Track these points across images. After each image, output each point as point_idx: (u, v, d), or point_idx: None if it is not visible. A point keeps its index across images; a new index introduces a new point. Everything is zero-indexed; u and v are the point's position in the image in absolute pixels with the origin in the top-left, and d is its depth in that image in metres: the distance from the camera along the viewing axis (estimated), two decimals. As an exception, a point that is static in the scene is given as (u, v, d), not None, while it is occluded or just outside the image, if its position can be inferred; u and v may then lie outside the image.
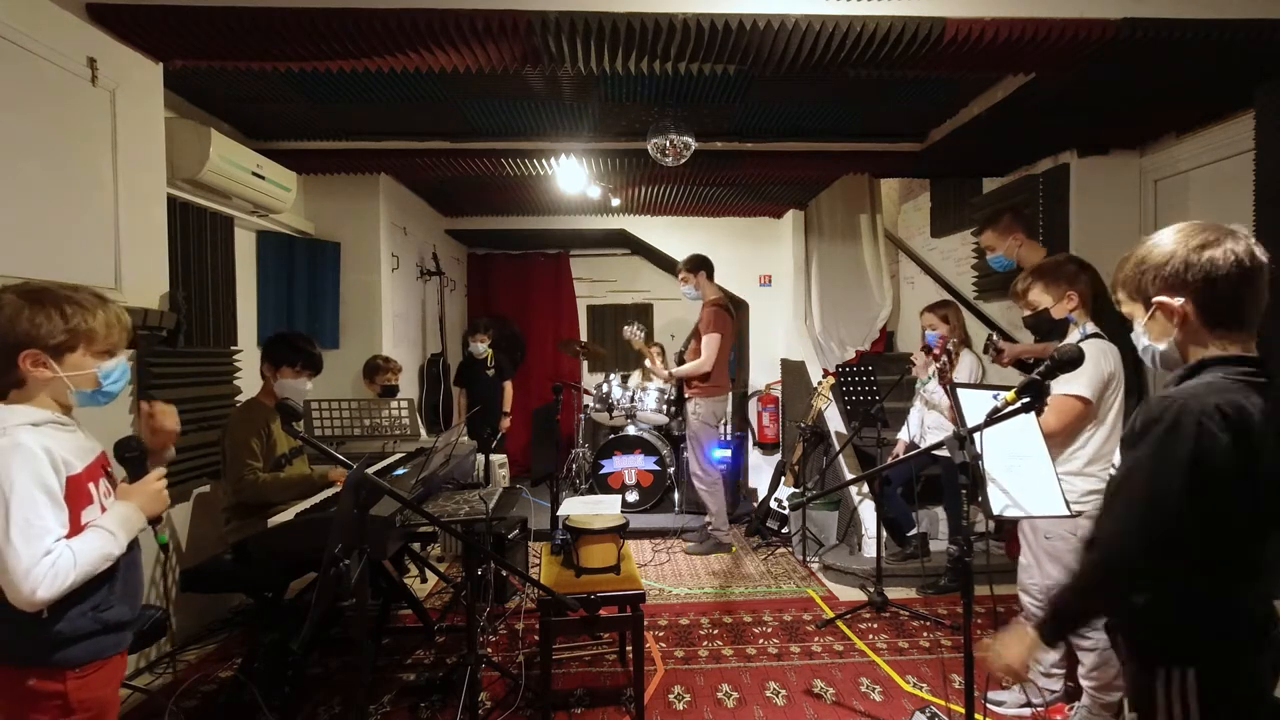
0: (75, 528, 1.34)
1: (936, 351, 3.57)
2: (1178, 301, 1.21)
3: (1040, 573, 2.41)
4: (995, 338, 3.24)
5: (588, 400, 5.64)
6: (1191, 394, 1.15)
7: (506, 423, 5.68)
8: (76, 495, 1.35)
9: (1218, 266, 1.16)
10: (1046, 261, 2.46)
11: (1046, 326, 2.46)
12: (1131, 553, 1.19)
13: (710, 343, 4.38)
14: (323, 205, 4.67)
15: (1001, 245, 3.20)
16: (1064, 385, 2.20)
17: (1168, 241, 1.22)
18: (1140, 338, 1.29)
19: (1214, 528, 1.14)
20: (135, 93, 2.72)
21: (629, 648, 2.79)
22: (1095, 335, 2.30)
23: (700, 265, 4.53)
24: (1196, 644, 1.18)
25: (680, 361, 4.76)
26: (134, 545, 1.50)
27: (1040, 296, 2.42)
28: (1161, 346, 1.26)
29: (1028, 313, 2.49)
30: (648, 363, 4.96)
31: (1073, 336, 2.35)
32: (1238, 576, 1.18)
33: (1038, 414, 1.65)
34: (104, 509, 1.41)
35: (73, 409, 1.43)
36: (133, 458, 1.51)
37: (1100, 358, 2.22)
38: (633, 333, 4.79)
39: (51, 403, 1.38)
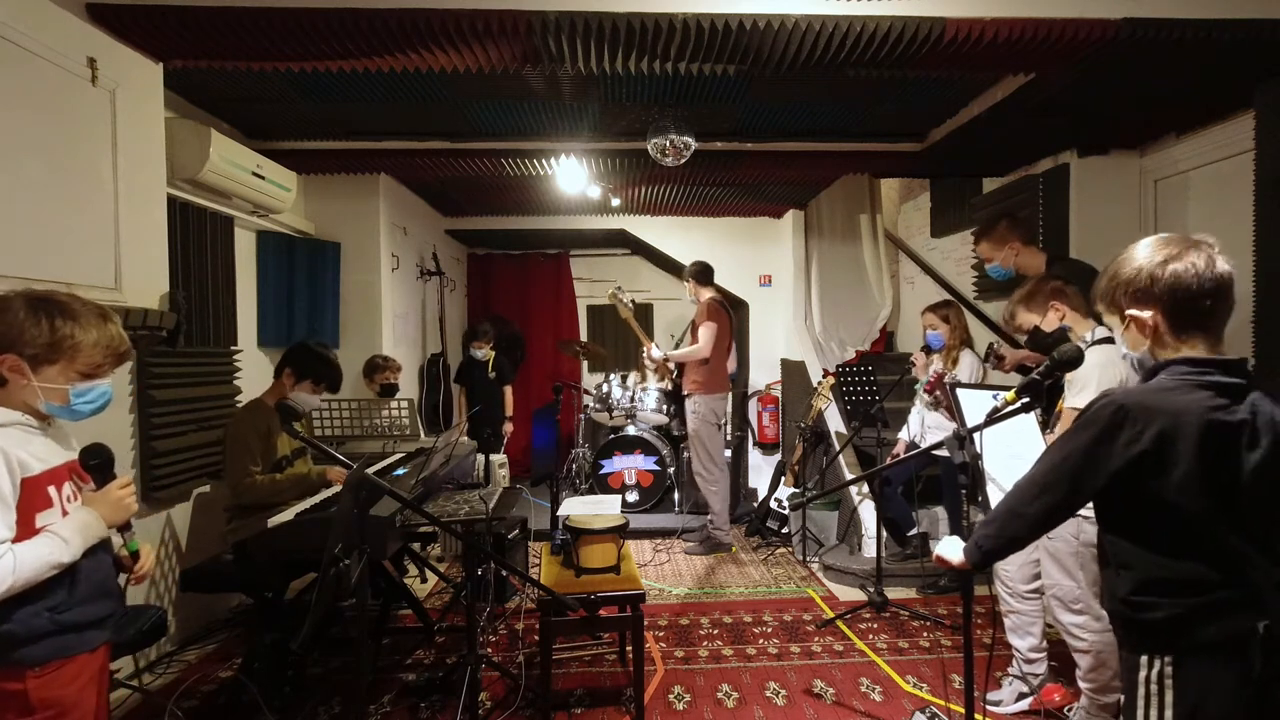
0: (29, 530, 1.33)
1: (930, 383, 3.59)
2: (1147, 314, 1.29)
3: (1043, 572, 2.41)
4: (996, 344, 3.23)
5: (588, 400, 5.64)
6: (1127, 391, 1.27)
7: (509, 427, 5.69)
8: (32, 498, 1.34)
9: (1181, 279, 1.24)
10: (1026, 286, 2.46)
11: (1047, 342, 2.45)
12: (1026, 497, 1.36)
13: (707, 330, 4.39)
14: (323, 205, 4.67)
15: (998, 254, 3.18)
16: (1071, 398, 2.19)
17: (1136, 256, 1.30)
18: (1120, 346, 1.39)
19: (1128, 508, 1.27)
20: (135, 93, 2.72)
21: (629, 648, 2.79)
22: (1107, 340, 2.25)
23: (696, 273, 4.61)
24: (1175, 635, 1.23)
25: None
26: (105, 547, 1.49)
27: (1026, 317, 2.45)
28: (1137, 354, 1.35)
29: (1023, 336, 2.50)
30: (644, 352, 4.93)
31: (1087, 338, 2.32)
32: (1202, 568, 1.21)
33: (1041, 413, 1.66)
34: (66, 514, 1.40)
35: (50, 417, 1.44)
36: (96, 465, 1.50)
37: (1109, 366, 2.17)
38: (617, 295, 4.71)
39: (25, 406, 1.38)
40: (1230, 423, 1.19)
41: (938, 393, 3.57)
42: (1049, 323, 2.38)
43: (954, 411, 2.43)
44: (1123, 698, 1.32)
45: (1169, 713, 1.22)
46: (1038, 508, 1.34)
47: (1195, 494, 1.20)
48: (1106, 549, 1.34)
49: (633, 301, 4.75)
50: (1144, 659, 1.26)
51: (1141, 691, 1.25)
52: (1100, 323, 2.35)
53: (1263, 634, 1.19)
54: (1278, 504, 1.23)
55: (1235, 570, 1.20)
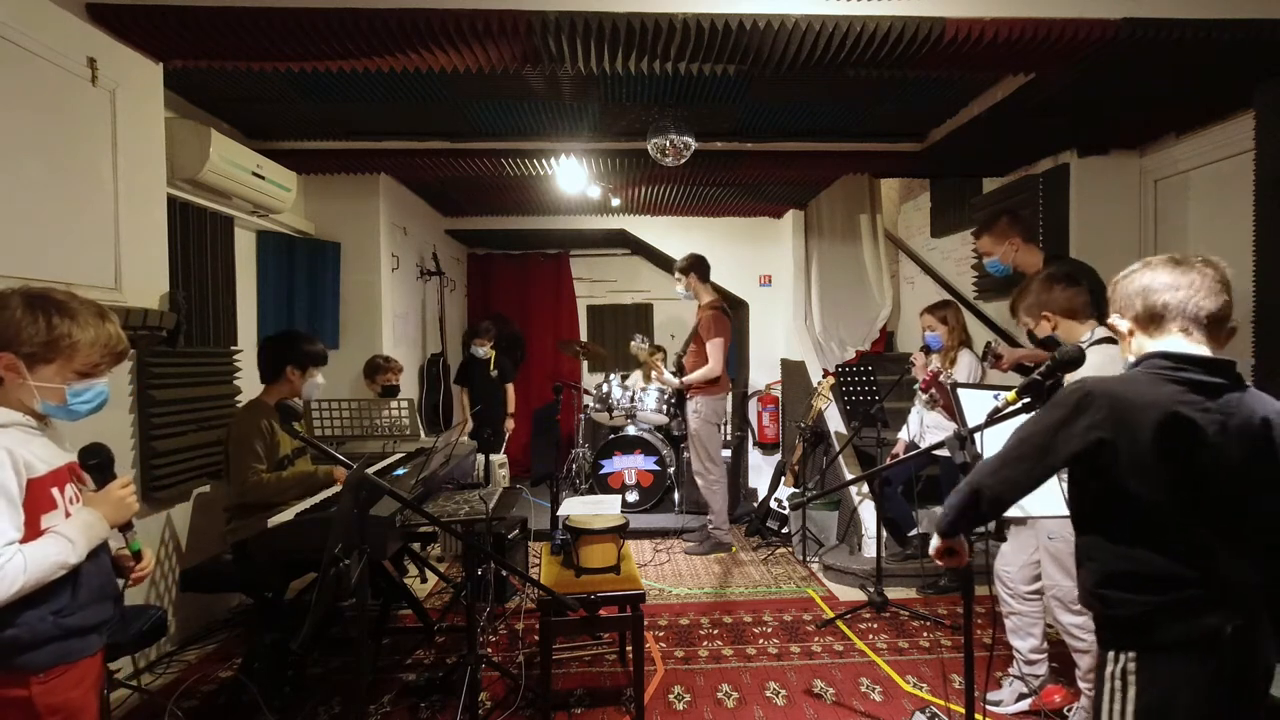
0: (34, 532, 1.32)
1: (925, 381, 3.58)
2: (1119, 320, 1.39)
3: (1043, 572, 2.41)
4: (994, 344, 3.23)
5: (588, 400, 5.64)
6: (1098, 379, 1.31)
7: (511, 424, 5.69)
8: (37, 499, 1.34)
9: (1138, 281, 1.35)
10: (1025, 286, 2.45)
11: (1050, 343, 2.45)
12: (987, 470, 1.40)
13: (715, 348, 4.39)
14: (323, 205, 4.67)
15: (998, 250, 3.18)
16: None
17: (1123, 272, 1.40)
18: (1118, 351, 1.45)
19: (1092, 495, 1.31)
20: (135, 93, 2.72)
21: (629, 648, 2.79)
22: (1106, 340, 2.24)
23: (692, 267, 4.54)
24: (1140, 632, 1.26)
25: (679, 365, 4.76)
26: (104, 548, 1.48)
27: (1026, 320, 2.44)
28: (1130, 359, 1.40)
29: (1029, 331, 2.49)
30: (655, 375, 4.94)
31: (1084, 340, 2.31)
32: (1168, 563, 1.23)
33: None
34: (69, 515, 1.40)
35: (47, 417, 1.43)
36: (95, 465, 1.49)
37: (1108, 365, 2.17)
38: (639, 347, 4.81)
39: (22, 406, 1.37)
40: (1193, 419, 1.21)
41: (933, 390, 3.56)
42: (1041, 330, 2.38)
43: (951, 410, 2.42)
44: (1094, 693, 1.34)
45: (1130, 707, 1.24)
46: (997, 480, 1.38)
47: (1155, 486, 1.22)
48: (1078, 544, 1.37)
49: (646, 341, 4.95)
50: (1110, 654, 1.28)
51: (1106, 687, 1.28)
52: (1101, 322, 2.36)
53: (1230, 634, 1.20)
54: (1247, 504, 1.23)
55: (1204, 568, 1.21)
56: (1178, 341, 1.30)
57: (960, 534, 1.58)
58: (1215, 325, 1.30)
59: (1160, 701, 1.22)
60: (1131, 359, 1.39)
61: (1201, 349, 1.29)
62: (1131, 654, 1.25)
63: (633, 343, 4.89)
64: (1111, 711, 1.26)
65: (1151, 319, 1.33)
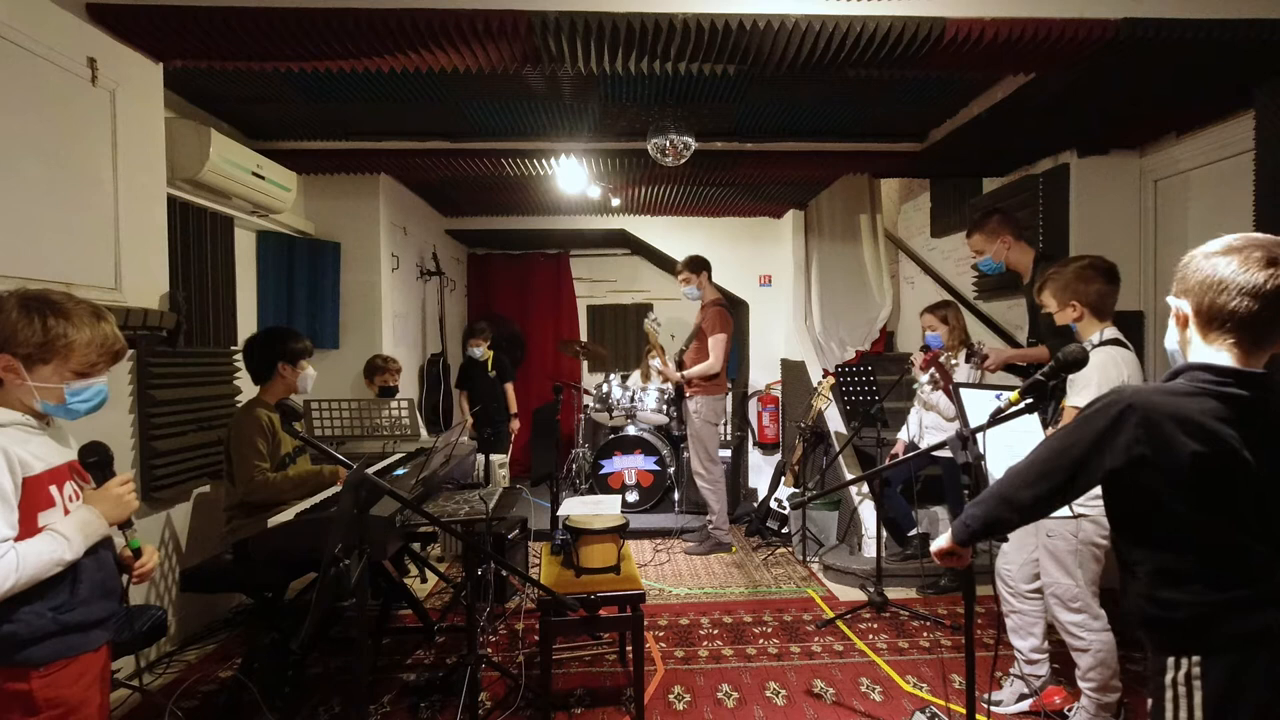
0: (31, 529, 1.34)
1: (925, 360, 3.54)
2: (1180, 303, 1.24)
3: (1041, 570, 2.42)
4: (978, 345, 3.23)
5: (588, 400, 5.64)
6: (1138, 390, 1.22)
7: (516, 424, 5.68)
8: (34, 497, 1.35)
9: (1217, 271, 1.18)
10: (1065, 265, 2.42)
11: (1053, 328, 2.45)
12: (1019, 483, 1.34)
13: (717, 343, 4.41)
14: (323, 205, 4.67)
15: (990, 248, 3.19)
16: (1072, 396, 2.20)
17: (1202, 246, 1.23)
18: (1167, 340, 1.32)
19: (1128, 506, 1.25)
20: (135, 93, 2.72)
21: (629, 648, 2.79)
22: (1112, 342, 2.24)
23: (702, 266, 4.60)
24: (1201, 634, 1.20)
25: (679, 363, 4.76)
26: (107, 545, 1.50)
27: (1049, 299, 2.40)
28: (1170, 348, 1.30)
29: (1045, 310, 2.47)
30: (656, 364, 4.93)
31: (1094, 338, 2.31)
32: (1217, 569, 1.19)
33: (1042, 415, 1.65)
34: (68, 513, 1.41)
35: (48, 417, 1.45)
36: (94, 462, 1.51)
37: (1110, 366, 2.16)
38: (652, 324, 4.78)
39: (22, 406, 1.39)
40: (1230, 438, 1.16)
41: (934, 371, 3.50)
42: (1062, 317, 2.36)
43: (949, 390, 2.40)
44: (1150, 701, 1.28)
45: (1198, 713, 1.19)
46: (1030, 495, 1.32)
47: (1197, 502, 1.17)
48: (1120, 551, 1.31)
49: (659, 323, 4.85)
50: (1170, 660, 1.22)
51: (1169, 694, 1.22)
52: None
53: None
54: None
55: (1255, 571, 1.18)
56: (1226, 355, 1.20)
57: (978, 543, 1.52)
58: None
59: (1229, 703, 1.18)
60: (1172, 347, 1.30)
61: (1247, 366, 1.20)
62: (1196, 658, 1.20)
63: (646, 319, 4.81)
64: (1177, 718, 1.21)
65: (1213, 319, 1.20)
